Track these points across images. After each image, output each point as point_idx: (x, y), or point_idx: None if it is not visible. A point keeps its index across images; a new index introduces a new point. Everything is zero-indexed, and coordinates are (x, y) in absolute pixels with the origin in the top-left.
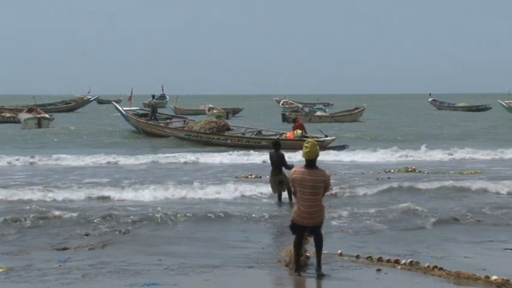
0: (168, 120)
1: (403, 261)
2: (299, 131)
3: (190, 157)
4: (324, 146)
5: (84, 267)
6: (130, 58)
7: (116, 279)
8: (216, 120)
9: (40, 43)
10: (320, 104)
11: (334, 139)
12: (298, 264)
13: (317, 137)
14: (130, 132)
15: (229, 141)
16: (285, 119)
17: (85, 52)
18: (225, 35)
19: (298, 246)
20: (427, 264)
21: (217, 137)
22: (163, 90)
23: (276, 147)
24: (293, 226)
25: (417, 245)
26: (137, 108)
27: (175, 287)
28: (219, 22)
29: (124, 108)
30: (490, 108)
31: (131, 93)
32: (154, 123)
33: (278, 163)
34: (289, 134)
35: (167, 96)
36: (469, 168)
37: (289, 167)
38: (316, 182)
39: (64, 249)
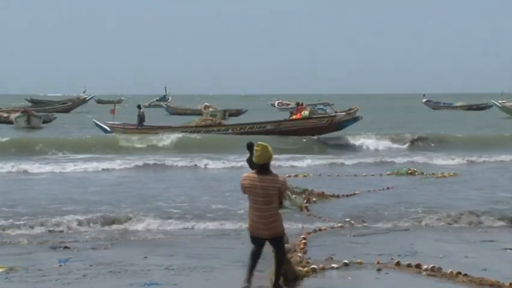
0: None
1: (425, 266)
2: (306, 112)
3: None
4: (338, 122)
5: (84, 267)
6: (129, 57)
7: (116, 279)
8: (210, 118)
9: (37, 42)
10: (321, 104)
11: (345, 114)
12: (250, 276)
13: (328, 114)
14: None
15: (230, 130)
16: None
17: (83, 50)
18: (224, 35)
19: (256, 256)
20: (450, 270)
21: (217, 128)
22: (166, 91)
23: (251, 150)
24: (251, 238)
25: (416, 245)
26: (120, 123)
27: (175, 287)
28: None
29: (108, 122)
30: (491, 106)
31: (114, 106)
32: (144, 127)
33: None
34: (295, 116)
35: (170, 98)
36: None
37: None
38: (268, 189)
39: (65, 248)
